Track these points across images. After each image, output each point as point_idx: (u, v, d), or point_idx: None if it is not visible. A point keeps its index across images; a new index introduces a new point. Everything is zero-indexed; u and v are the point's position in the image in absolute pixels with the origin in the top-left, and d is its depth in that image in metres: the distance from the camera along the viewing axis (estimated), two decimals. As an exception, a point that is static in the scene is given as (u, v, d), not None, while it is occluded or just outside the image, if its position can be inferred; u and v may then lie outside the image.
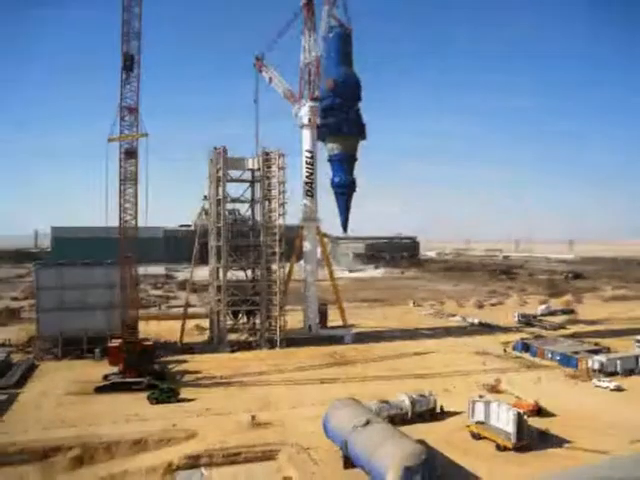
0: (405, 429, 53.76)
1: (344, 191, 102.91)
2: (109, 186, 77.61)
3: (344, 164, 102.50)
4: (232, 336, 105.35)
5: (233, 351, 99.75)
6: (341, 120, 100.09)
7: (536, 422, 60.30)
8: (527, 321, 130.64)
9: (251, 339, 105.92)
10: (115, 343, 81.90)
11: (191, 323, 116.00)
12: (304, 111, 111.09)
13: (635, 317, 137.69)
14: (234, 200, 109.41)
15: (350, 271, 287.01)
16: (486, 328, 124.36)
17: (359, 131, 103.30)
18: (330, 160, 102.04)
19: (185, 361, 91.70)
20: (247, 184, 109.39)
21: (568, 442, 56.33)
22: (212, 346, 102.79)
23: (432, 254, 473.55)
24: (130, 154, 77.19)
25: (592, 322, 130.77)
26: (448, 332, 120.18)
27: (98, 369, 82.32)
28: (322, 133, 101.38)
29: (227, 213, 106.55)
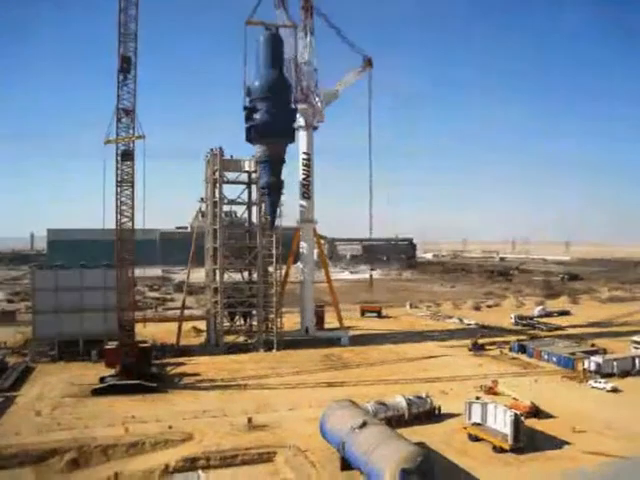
0: (402, 431, 53.69)
1: (270, 192, 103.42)
2: (106, 188, 77.87)
3: (270, 166, 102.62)
4: (229, 338, 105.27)
5: (229, 352, 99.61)
6: (267, 123, 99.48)
7: (533, 423, 60.46)
8: (524, 322, 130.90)
9: (248, 341, 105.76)
10: (112, 345, 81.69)
11: (188, 325, 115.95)
12: (304, 112, 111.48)
13: (631, 318, 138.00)
14: (230, 202, 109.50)
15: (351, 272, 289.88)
16: (483, 330, 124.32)
17: (286, 134, 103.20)
18: (257, 161, 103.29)
19: (183, 363, 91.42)
20: (244, 186, 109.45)
21: (565, 443, 56.39)
22: (209, 348, 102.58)
23: (429, 256, 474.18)
24: (127, 156, 77.11)
25: (589, 323, 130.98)
26: (445, 334, 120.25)
27: (94, 371, 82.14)
28: (249, 135, 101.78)
29: (223, 215, 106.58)
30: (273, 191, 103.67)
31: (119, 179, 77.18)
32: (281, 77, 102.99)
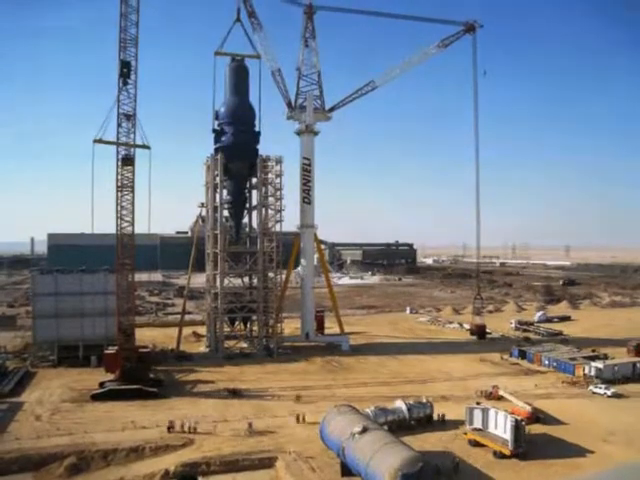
0: (402, 436, 53.56)
1: (234, 206, 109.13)
2: (108, 192, 78.36)
3: (235, 183, 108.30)
4: (229, 343, 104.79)
5: (229, 358, 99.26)
6: (231, 145, 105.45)
7: (534, 429, 60.29)
8: (524, 328, 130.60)
9: (248, 350, 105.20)
10: (111, 350, 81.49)
11: (189, 330, 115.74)
12: (299, 118, 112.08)
13: (632, 324, 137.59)
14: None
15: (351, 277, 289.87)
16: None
17: (249, 155, 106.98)
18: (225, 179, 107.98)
19: (193, 370, 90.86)
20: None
21: (566, 449, 56.24)
22: (209, 354, 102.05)
23: (429, 261, 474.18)
24: (127, 161, 77.14)
25: (589, 329, 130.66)
26: (444, 338, 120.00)
27: (94, 376, 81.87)
28: (217, 154, 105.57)
29: (224, 220, 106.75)
30: (237, 205, 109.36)
31: (119, 184, 77.22)
32: (244, 104, 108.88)
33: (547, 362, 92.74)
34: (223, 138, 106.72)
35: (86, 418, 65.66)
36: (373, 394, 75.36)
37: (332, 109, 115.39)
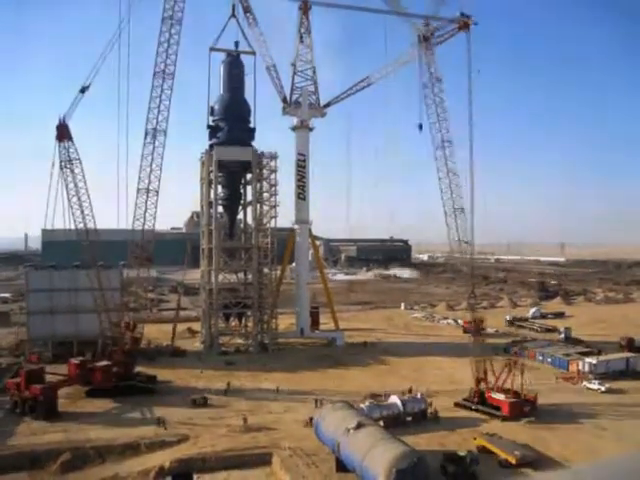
0: (396, 431, 53.59)
1: (229, 203, 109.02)
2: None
3: (229, 179, 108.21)
4: (224, 339, 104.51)
5: (223, 353, 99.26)
6: (226, 142, 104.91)
7: (526, 428, 60.54)
8: (518, 324, 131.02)
9: (243, 346, 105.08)
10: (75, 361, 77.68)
11: (184, 326, 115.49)
12: (294, 113, 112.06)
13: (626, 320, 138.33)
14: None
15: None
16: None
17: (243, 152, 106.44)
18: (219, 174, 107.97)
19: (187, 366, 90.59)
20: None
21: (562, 446, 56.51)
22: (203, 351, 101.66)
23: (424, 257, 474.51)
24: None
25: (583, 325, 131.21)
26: (439, 334, 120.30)
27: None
28: (212, 150, 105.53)
29: (219, 216, 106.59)
30: (231, 201, 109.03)
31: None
32: (239, 100, 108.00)
33: (541, 358, 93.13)
34: (218, 134, 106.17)
35: (81, 414, 65.53)
36: (367, 388, 75.29)
37: (327, 105, 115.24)
